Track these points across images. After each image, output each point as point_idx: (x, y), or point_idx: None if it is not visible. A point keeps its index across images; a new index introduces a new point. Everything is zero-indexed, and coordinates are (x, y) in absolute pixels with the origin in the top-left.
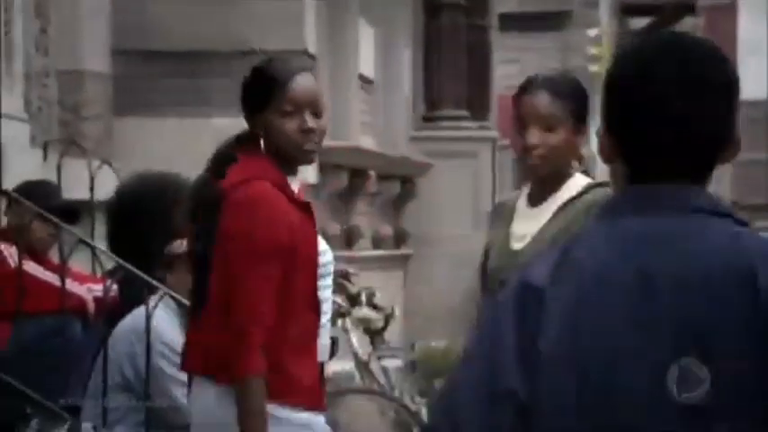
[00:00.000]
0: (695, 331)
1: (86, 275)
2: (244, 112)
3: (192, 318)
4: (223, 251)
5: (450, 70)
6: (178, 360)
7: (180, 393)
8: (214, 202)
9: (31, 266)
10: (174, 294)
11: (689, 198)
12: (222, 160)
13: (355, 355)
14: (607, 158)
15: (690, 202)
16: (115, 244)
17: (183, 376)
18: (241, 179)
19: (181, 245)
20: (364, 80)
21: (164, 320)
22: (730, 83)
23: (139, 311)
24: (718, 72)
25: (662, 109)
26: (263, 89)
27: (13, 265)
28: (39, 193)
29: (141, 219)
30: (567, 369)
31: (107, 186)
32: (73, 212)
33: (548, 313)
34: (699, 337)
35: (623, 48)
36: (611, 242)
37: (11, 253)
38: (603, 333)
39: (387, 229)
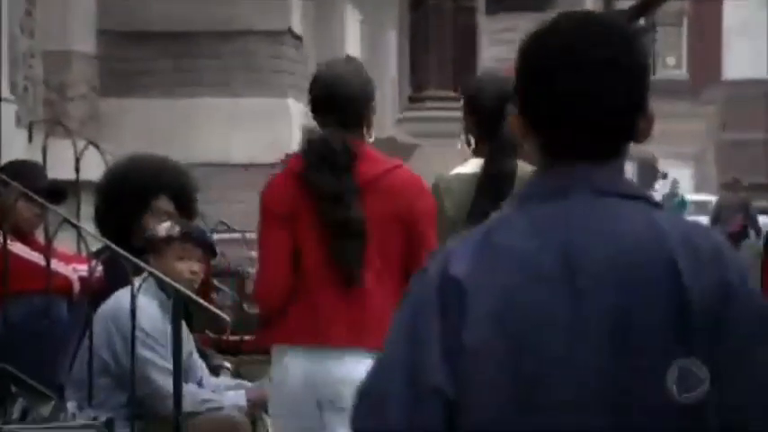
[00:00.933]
0: (623, 325)
1: (72, 255)
2: (369, 115)
3: (345, 290)
4: (420, 223)
5: (437, 51)
6: (158, 346)
7: (161, 378)
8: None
9: (16, 247)
10: (159, 275)
11: (603, 181)
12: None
13: None
14: (521, 137)
15: (604, 185)
16: (102, 225)
17: (165, 362)
18: (395, 165)
19: (169, 228)
20: None
21: (143, 306)
22: (639, 62)
23: (119, 294)
24: (626, 51)
25: (569, 89)
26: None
27: None
28: (24, 173)
29: (128, 201)
30: (496, 365)
31: (93, 167)
32: (59, 192)
33: (471, 306)
34: (627, 331)
35: (537, 28)
36: (530, 229)
37: None
38: (532, 328)
39: None
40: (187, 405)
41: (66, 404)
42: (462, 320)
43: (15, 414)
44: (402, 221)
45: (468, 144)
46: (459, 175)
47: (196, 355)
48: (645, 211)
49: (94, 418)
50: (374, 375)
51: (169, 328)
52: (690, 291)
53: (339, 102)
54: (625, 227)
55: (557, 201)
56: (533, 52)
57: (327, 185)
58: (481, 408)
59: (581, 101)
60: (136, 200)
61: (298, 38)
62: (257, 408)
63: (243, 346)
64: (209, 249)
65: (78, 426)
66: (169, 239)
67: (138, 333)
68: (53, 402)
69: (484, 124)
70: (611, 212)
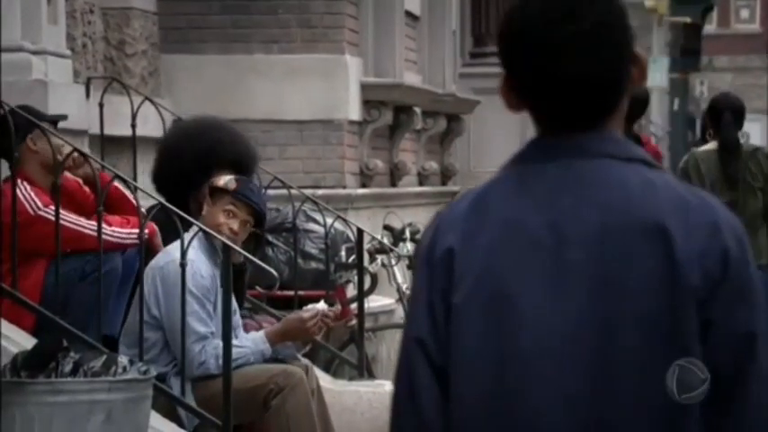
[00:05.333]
0: (607, 291)
1: (119, 219)
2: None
3: None
4: None
5: (499, 4)
6: (199, 308)
7: (190, 342)
8: None
9: (61, 213)
10: (209, 231)
11: (594, 143)
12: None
13: (398, 291)
14: (510, 107)
15: (596, 148)
16: (158, 181)
17: (201, 327)
18: None
19: (228, 181)
20: (410, 16)
21: (192, 260)
22: (611, 23)
23: (169, 248)
24: (595, 14)
25: (545, 57)
26: None
27: (31, 211)
28: (41, 115)
29: (187, 172)
30: (479, 324)
31: (150, 123)
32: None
33: (458, 269)
34: (612, 299)
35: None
36: (519, 191)
37: (29, 197)
38: (513, 287)
39: (433, 166)
40: (212, 367)
41: (118, 358)
42: (450, 284)
43: (67, 368)
44: None
45: (710, 135)
46: (701, 152)
47: (238, 313)
48: (640, 174)
49: (145, 372)
50: None
51: (218, 284)
52: (681, 254)
53: None
54: (615, 191)
55: (547, 162)
56: (509, 26)
57: None
58: (466, 363)
59: (556, 73)
60: (196, 172)
61: None
62: (282, 339)
63: (298, 301)
64: (258, 215)
65: (129, 380)
66: (222, 191)
67: (186, 296)
68: (104, 356)
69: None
70: (602, 175)
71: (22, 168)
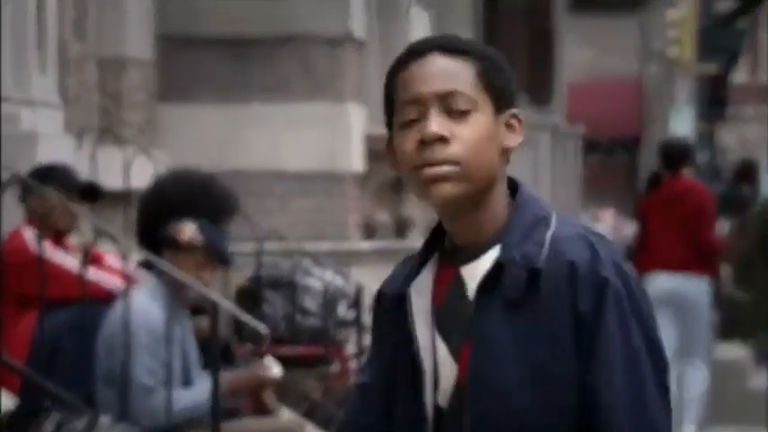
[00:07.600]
0: None
1: (115, 269)
2: None
3: None
4: None
5: (509, 55)
6: (150, 358)
7: (138, 395)
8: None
9: (56, 255)
10: (198, 287)
11: None
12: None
13: None
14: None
15: None
16: (140, 237)
17: (151, 381)
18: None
19: (194, 234)
20: None
21: (143, 310)
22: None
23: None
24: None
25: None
26: None
27: (34, 251)
28: (56, 176)
29: (156, 223)
30: None
31: (144, 174)
32: (94, 191)
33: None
34: None
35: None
36: None
37: (35, 239)
38: None
39: None
40: (161, 419)
41: (100, 418)
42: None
43: (49, 428)
44: None
45: None
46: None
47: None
48: None
49: None
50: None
51: (176, 329)
52: None
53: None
54: None
55: None
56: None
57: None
58: None
59: None
60: (164, 224)
61: (358, 42)
62: (234, 390)
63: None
64: (224, 259)
65: None
66: (191, 247)
67: (133, 346)
68: (87, 416)
69: None
70: None
71: (34, 217)
